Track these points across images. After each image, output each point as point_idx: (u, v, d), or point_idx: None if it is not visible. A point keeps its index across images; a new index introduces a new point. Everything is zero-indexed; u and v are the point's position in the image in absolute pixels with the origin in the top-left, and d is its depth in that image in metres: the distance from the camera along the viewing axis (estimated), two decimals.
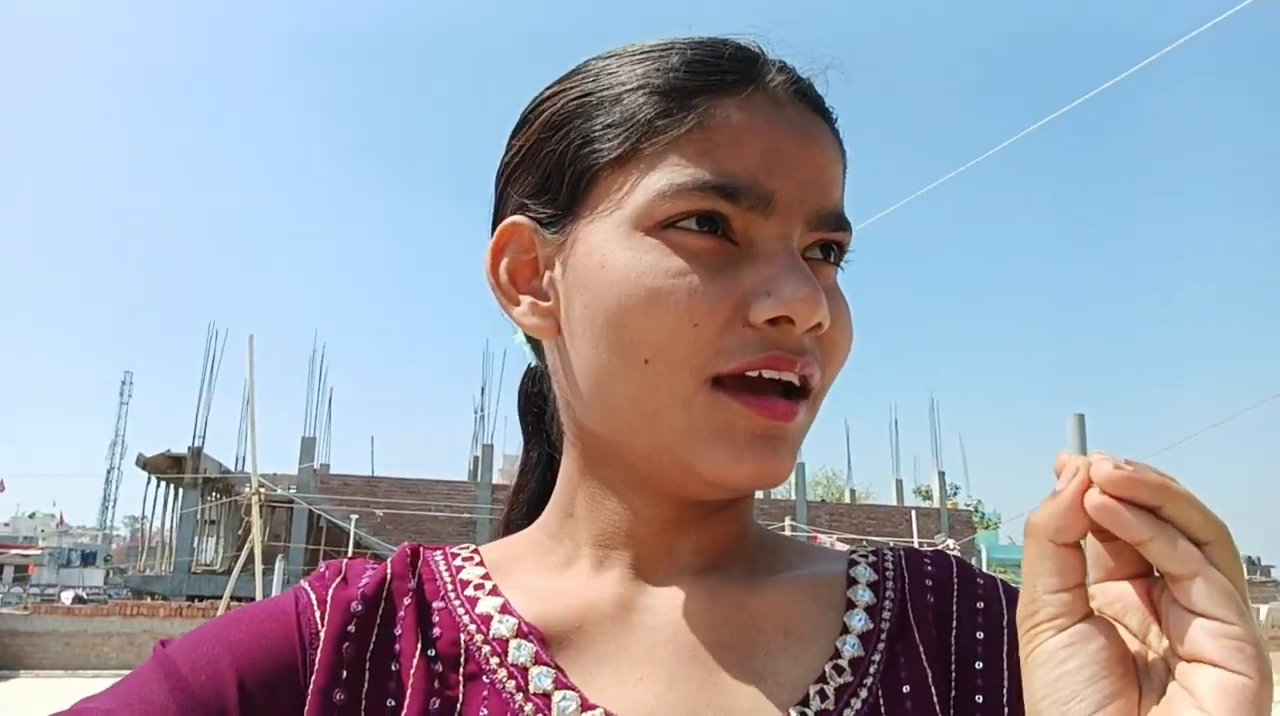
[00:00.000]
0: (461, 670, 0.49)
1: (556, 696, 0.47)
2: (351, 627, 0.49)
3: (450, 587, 0.53)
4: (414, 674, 0.48)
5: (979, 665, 0.51)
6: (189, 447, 27.20)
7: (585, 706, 0.47)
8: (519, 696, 0.47)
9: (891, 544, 0.60)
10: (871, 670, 0.50)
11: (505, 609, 0.51)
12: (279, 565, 17.99)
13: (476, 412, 30.16)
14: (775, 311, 0.46)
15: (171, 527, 28.40)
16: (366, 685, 0.48)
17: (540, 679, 0.48)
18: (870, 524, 29.66)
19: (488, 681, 0.48)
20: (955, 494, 37.85)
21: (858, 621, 0.52)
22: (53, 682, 14.92)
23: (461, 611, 0.51)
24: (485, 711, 0.47)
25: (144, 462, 28.13)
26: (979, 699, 0.50)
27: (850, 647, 0.51)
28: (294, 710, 0.47)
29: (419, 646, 0.49)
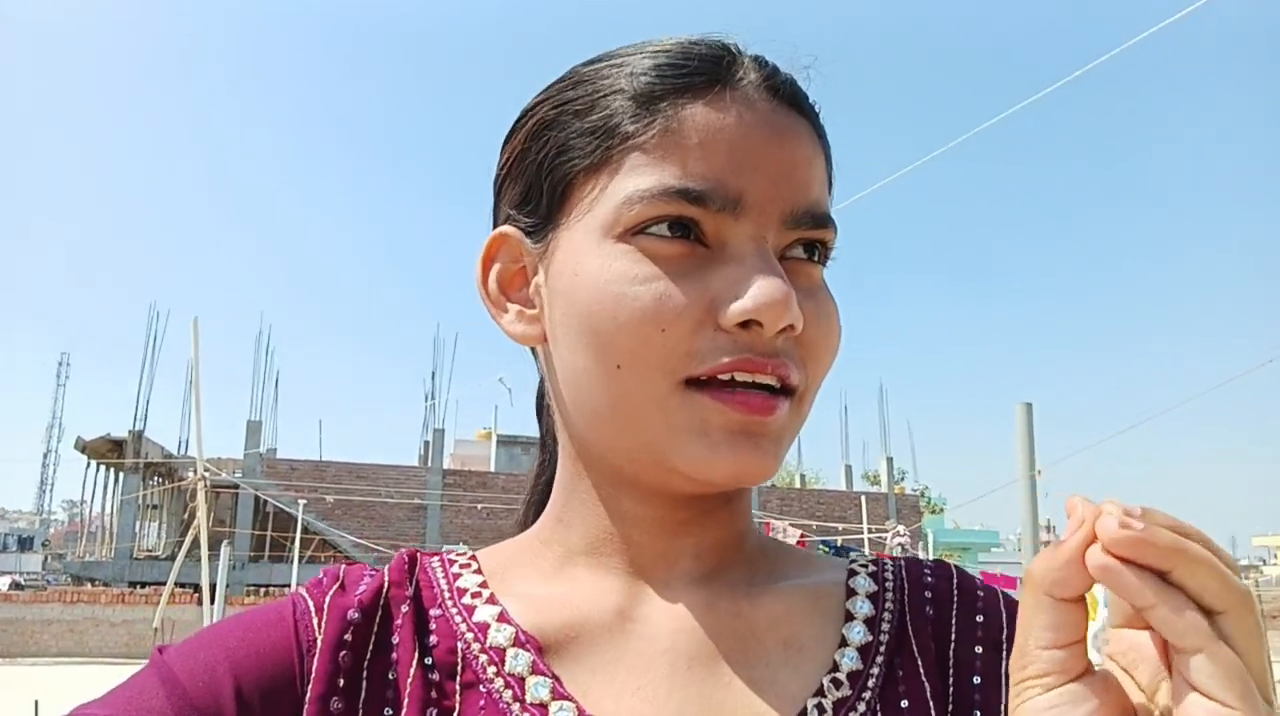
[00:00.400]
0: (458, 679, 0.49)
1: (554, 707, 0.47)
2: (349, 636, 0.49)
3: (447, 595, 0.53)
4: (411, 683, 0.48)
5: (977, 680, 0.51)
6: (130, 431, 26.59)
7: None
8: (515, 706, 0.47)
9: (841, 528, 0.61)
10: (870, 684, 0.50)
11: (503, 617, 0.51)
12: (225, 551, 17.66)
13: (427, 398, 29.91)
14: (743, 315, 0.45)
15: (112, 513, 27.79)
16: (364, 694, 0.48)
17: (537, 688, 0.48)
18: (820, 509, 30.03)
19: (484, 691, 0.48)
20: (902, 479, 38.48)
21: (856, 634, 0.52)
22: None
23: (459, 619, 0.51)
24: None
25: (83, 446, 27.46)
26: (977, 714, 0.50)
27: (849, 661, 0.50)
28: (287, 710, 0.47)
29: (416, 655, 0.49)
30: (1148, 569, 0.33)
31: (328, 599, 0.51)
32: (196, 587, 16.72)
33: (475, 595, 0.53)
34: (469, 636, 0.50)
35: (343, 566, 0.55)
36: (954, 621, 0.53)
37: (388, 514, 26.50)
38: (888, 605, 0.54)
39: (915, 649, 0.52)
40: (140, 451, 26.42)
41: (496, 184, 0.57)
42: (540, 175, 0.51)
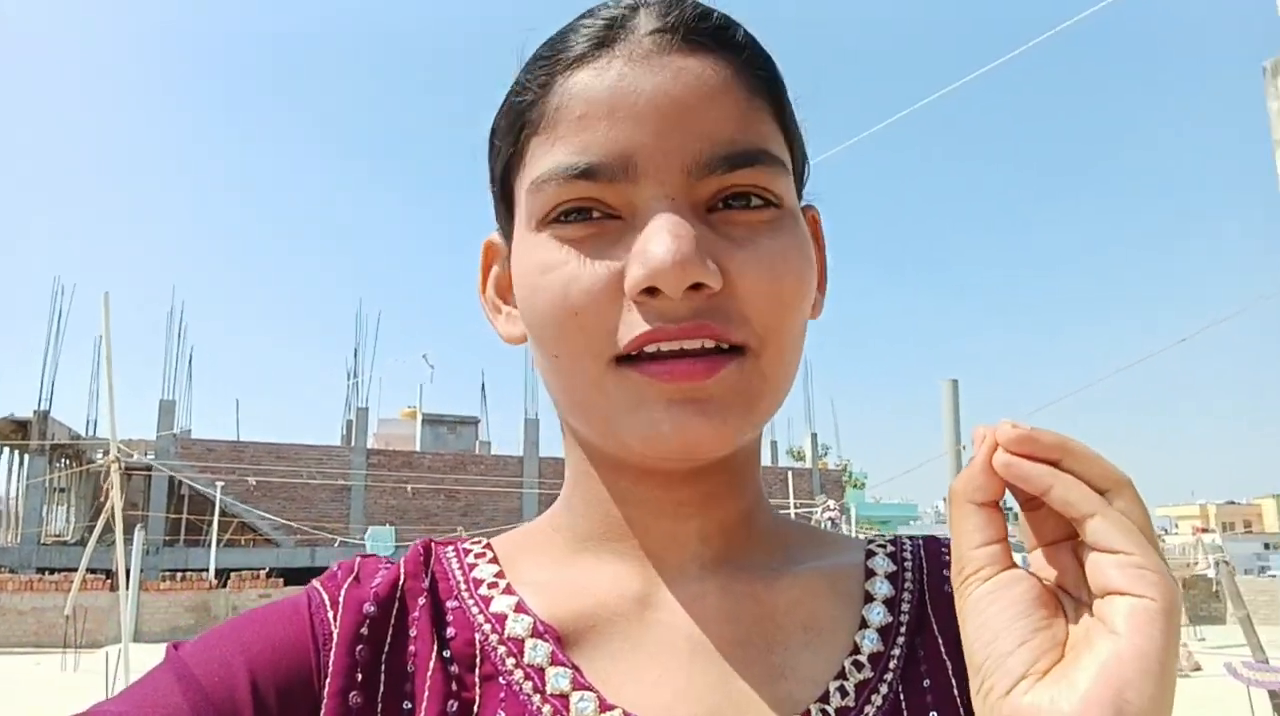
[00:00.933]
0: (477, 671, 0.48)
1: (574, 697, 0.47)
2: (365, 630, 0.48)
3: (463, 586, 0.52)
4: (430, 676, 0.47)
5: None
6: (34, 411, 25.50)
7: (604, 707, 0.47)
8: (536, 697, 0.47)
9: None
10: (891, 665, 0.50)
11: (520, 607, 0.50)
12: (138, 535, 17.18)
13: (349, 376, 29.36)
14: (638, 284, 0.44)
15: (18, 497, 26.65)
16: (382, 687, 0.47)
17: (557, 679, 0.47)
18: None
19: (504, 682, 0.48)
20: (826, 454, 39.26)
21: (876, 615, 0.52)
22: None
23: (475, 610, 0.51)
24: (503, 713, 0.47)
25: None
26: None
27: (869, 642, 0.51)
28: (309, 712, 0.46)
29: (434, 647, 0.48)
30: (1041, 461, 0.40)
31: (343, 592, 0.50)
32: (109, 573, 16.21)
33: (491, 585, 0.52)
34: (486, 627, 0.50)
35: (357, 557, 0.53)
36: None
37: (310, 495, 26.01)
38: (907, 585, 0.54)
39: (935, 628, 0.52)
40: (46, 432, 25.38)
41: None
42: (495, 181, 0.53)
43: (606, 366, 0.46)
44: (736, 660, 0.49)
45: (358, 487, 26.45)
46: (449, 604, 0.51)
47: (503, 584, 0.52)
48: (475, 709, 0.47)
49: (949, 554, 0.55)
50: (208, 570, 19.61)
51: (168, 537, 24.78)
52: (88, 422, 27.98)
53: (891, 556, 0.56)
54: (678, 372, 0.44)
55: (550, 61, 0.48)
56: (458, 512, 27.40)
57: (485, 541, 0.56)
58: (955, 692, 0.49)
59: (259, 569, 20.47)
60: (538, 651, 0.48)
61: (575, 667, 0.48)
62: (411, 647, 0.49)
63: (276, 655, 0.47)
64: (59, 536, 27.72)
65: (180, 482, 24.05)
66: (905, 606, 0.53)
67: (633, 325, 0.45)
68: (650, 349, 0.45)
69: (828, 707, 0.48)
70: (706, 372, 0.44)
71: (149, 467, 23.57)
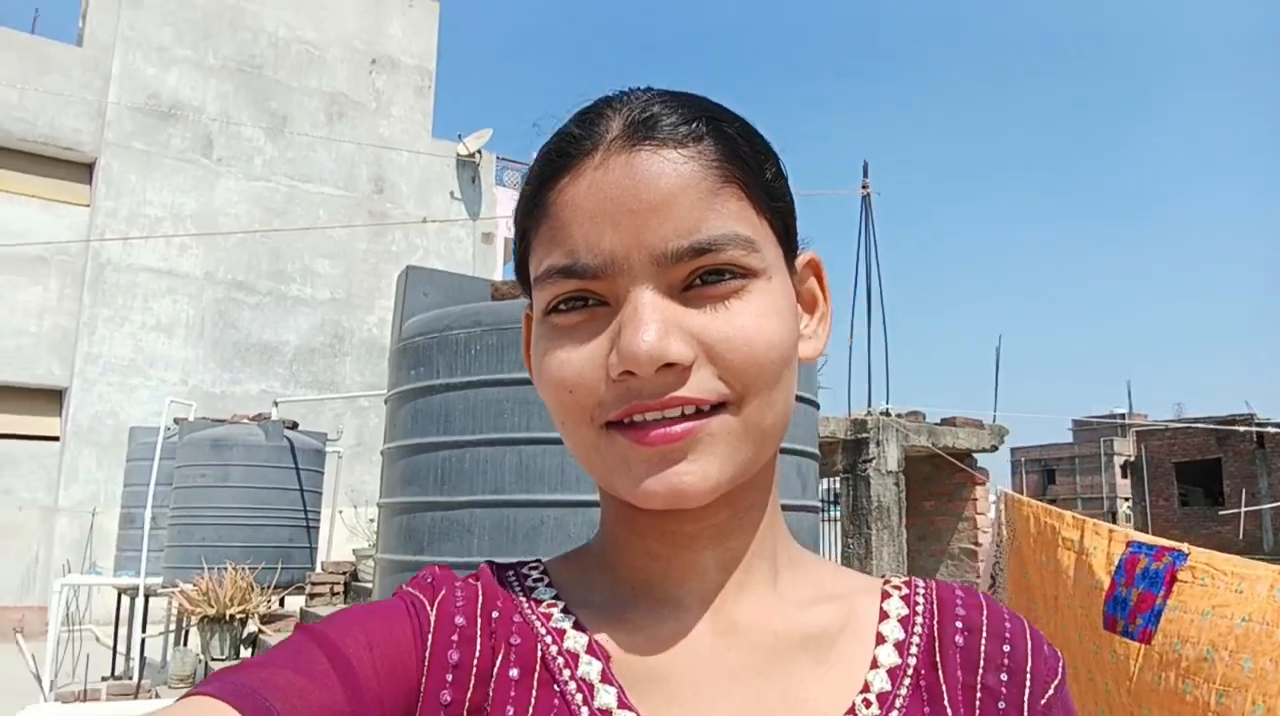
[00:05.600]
0: (536, 677, 0.53)
1: (618, 714, 0.52)
2: (456, 636, 0.54)
3: (526, 604, 0.57)
4: (496, 677, 0.53)
5: (1001, 705, 0.55)
6: None
7: None
8: (585, 710, 0.52)
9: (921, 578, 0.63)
10: (898, 704, 0.54)
11: (577, 626, 0.56)
12: None
13: None
14: (617, 369, 0.50)
15: None
16: (471, 689, 0.52)
17: (604, 696, 0.52)
18: None
19: (559, 690, 0.53)
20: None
21: (886, 656, 0.56)
22: None
23: (538, 623, 0.56)
24: None
25: None
26: None
27: (879, 681, 0.55)
28: (412, 697, 0.51)
29: (502, 654, 0.54)
30: None
31: (437, 601, 0.55)
32: None
33: (551, 605, 0.57)
34: (548, 640, 0.55)
35: (434, 570, 0.59)
36: (983, 648, 0.57)
37: None
38: (918, 628, 0.58)
39: (941, 674, 0.56)
40: None
41: None
42: (518, 268, 0.60)
43: (599, 431, 0.52)
44: (756, 688, 0.54)
45: None
46: (514, 617, 0.56)
47: (561, 604, 0.57)
48: (531, 711, 0.52)
49: (961, 604, 0.60)
50: None
51: None
52: None
53: (905, 599, 0.60)
54: (655, 438, 0.50)
55: (541, 165, 0.55)
56: None
57: (543, 567, 0.62)
58: None
59: None
60: (591, 668, 0.53)
61: (621, 688, 0.53)
62: (489, 653, 0.54)
63: (394, 647, 0.52)
64: None
65: None
66: (914, 650, 0.57)
67: (620, 400, 0.51)
68: (637, 418, 0.51)
69: None
70: (681, 436, 0.50)
71: None
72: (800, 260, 0.59)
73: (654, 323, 0.49)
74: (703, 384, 0.50)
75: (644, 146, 0.51)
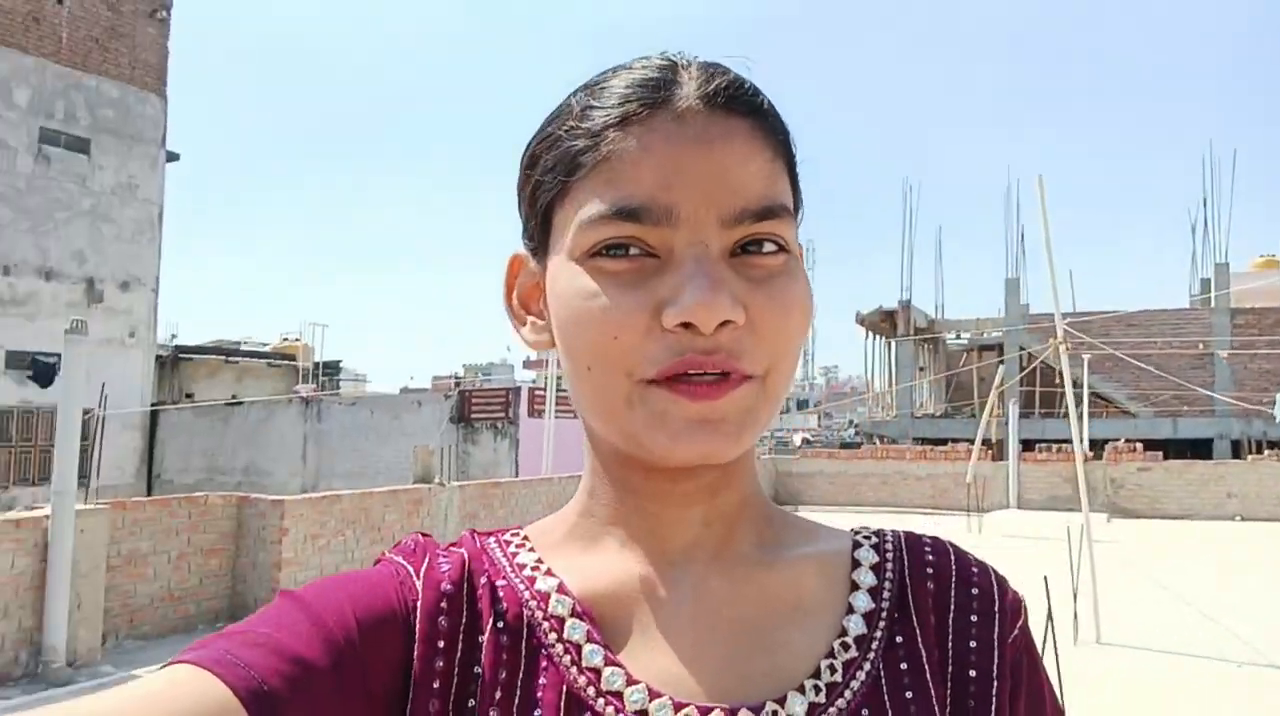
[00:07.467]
0: (524, 643, 0.55)
1: (606, 671, 0.53)
2: (444, 604, 0.55)
3: (509, 569, 0.59)
4: (487, 645, 0.54)
5: (973, 644, 0.58)
6: (899, 302, 29.05)
7: (630, 681, 0.53)
8: (574, 670, 0.53)
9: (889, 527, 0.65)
10: (874, 646, 0.56)
11: (561, 589, 0.57)
12: (1012, 410, 18.44)
13: (1193, 227, 26.18)
14: (678, 318, 0.50)
15: (891, 377, 30.83)
16: (459, 653, 0.54)
17: (592, 655, 0.54)
18: None
19: (547, 654, 0.54)
20: None
21: (861, 601, 0.59)
22: (824, 516, 17.53)
23: (522, 588, 0.57)
24: (544, 681, 0.53)
25: (861, 319, 30.85)
26: (972, 672, 0.57)
27: (855, 625, 0.57)
28: (400, 667, 0.53)
29: (490, 620, 0.55)
30: None
31: (422, 569, 0.57)
32: (983, 443, 17.61)
33: (534, 568, 0.58)
34: (533, 604, 0.56)
35: (417, 537, 0.61)
36: (952, 592, 0.60)
37: (1164, 363, 24.25)
38: (889, 575, 0.60)
39: (914, 617, 0.58)
40: (910, 320, 28.73)
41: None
42: (530, 206, 0.59)
43: (635, 384, 0.52)
44: (737, 637, 0.56)
45: (1219, 356, 23.69)
46: (499, 582, 0.57)
47: (544, 567, 0.58)
48: (521, 675, 0.53)
49: (930, 550, 0.62)
50: (1067, 441, 19.76)
51: (1023, 410, 25.82)
52: (937, 307, 30.75)
53: (875, 547, 0.62)
54: (697, 392, 0.51)
55: (602, 112, 0.54)
56: None
57: (524, 534, 0.62)
58: (928, 676, 0.56)
59: (1134, 441, 19.79)
60: (576, 630, 0.55)
61: (607, 646, 0.54)
62: (477, 619, 0.55)
63: (376, 611, 0.53)
64: (923, 410, 31.20)
65: (1029, 356, 24.79)
66: (886, 595, 0.59)
67: (669, 351, 0.51)
68: (690, 372, 0.52)
69: (819, 682, 0.54)
70: (719, 393, 0.51)
71: (1004, 346, 24.65)
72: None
73: (719, 278, 0.51)
74: (746, 351, 0.52)
75: (721, 109, 0.54)
